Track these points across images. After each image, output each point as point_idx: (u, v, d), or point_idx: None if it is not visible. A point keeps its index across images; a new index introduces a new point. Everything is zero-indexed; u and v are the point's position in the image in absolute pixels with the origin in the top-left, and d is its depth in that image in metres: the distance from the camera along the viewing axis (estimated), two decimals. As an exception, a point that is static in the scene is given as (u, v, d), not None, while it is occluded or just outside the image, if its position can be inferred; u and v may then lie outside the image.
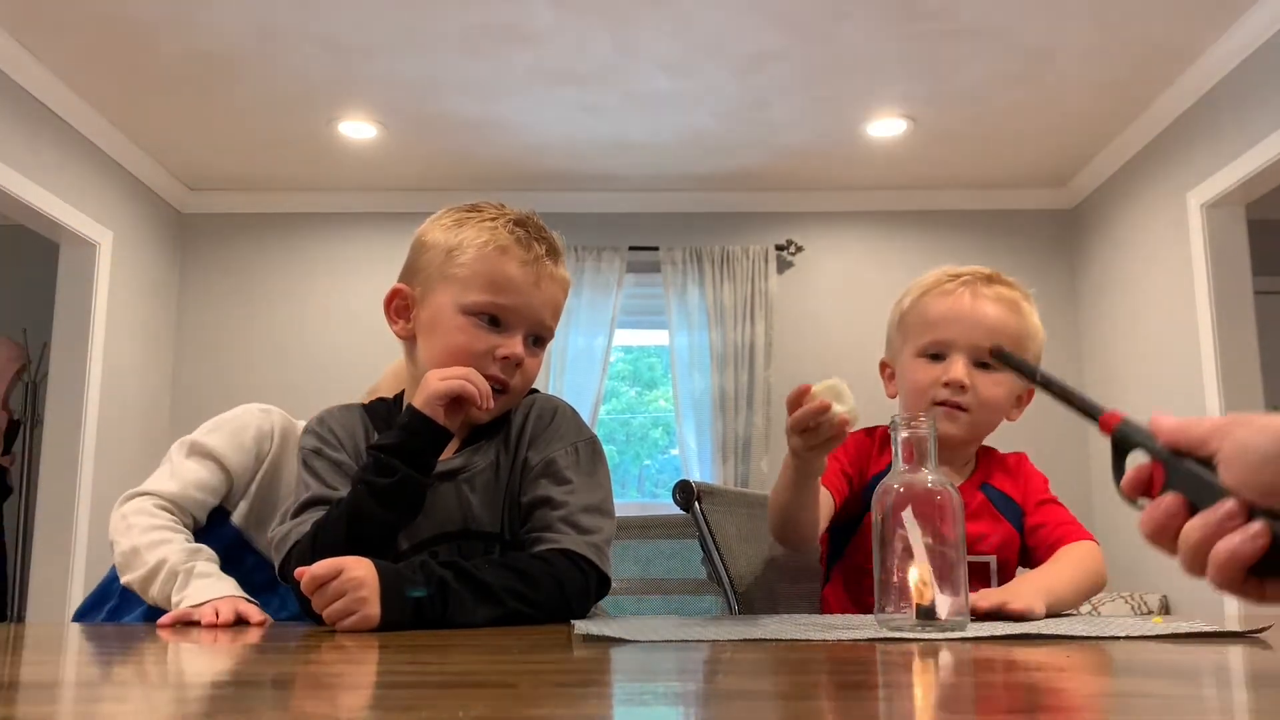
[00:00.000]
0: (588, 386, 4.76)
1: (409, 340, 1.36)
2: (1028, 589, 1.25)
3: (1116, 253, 4.55)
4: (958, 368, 1.46)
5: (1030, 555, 1.52)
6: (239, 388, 4.69)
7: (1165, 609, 4.05)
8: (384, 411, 1.38)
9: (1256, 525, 0.66)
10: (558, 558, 1.23)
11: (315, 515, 1.24)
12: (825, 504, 1.42)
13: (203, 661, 0.90)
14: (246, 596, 1.34)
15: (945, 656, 0.83)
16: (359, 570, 1.08)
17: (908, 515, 1.01)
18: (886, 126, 4.31)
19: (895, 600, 1.00)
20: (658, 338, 5.21)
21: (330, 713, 0.56)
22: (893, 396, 1.57)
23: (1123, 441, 0.78)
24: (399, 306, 1.36)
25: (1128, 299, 4.41)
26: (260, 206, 5.02)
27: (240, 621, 1.26)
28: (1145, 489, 0.75)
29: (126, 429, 4.49)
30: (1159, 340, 4.12)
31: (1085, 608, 3.26)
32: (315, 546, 1.19)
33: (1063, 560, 1.44)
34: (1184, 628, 1.03)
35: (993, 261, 1.56)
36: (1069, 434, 4.75)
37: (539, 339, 1.35)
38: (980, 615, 1.14)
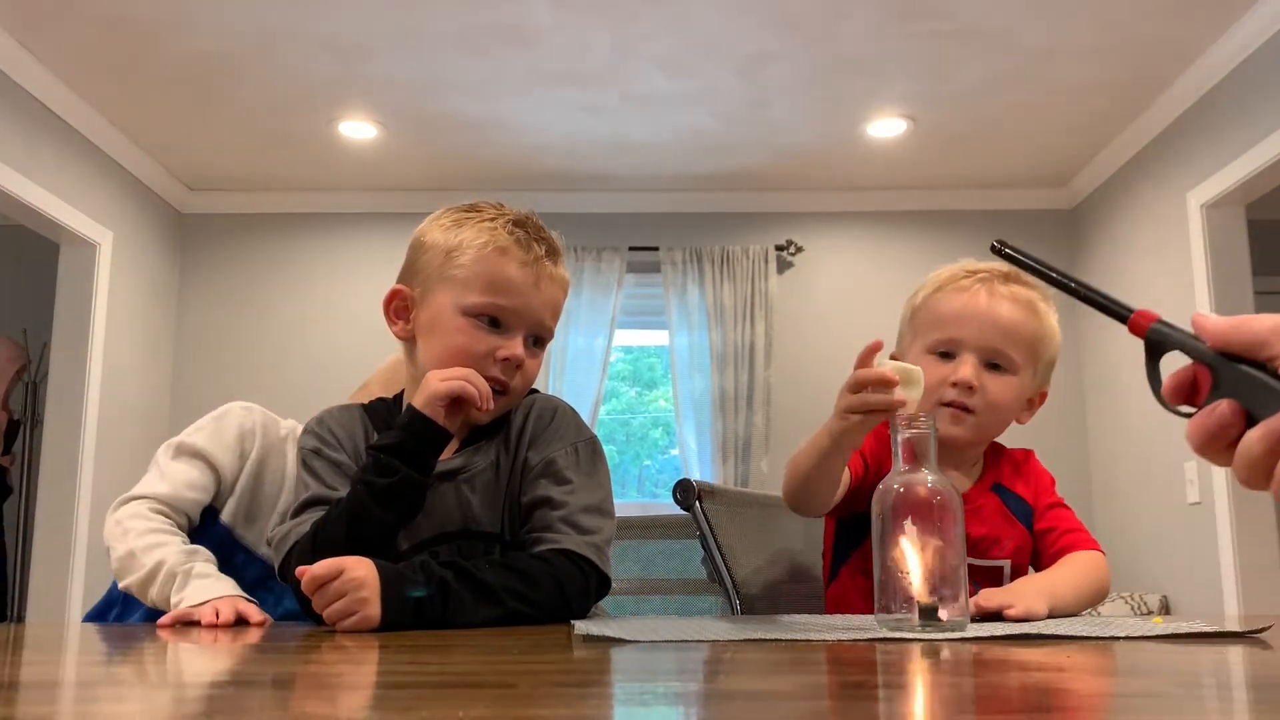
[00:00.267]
0: (588, 387, 4.76)
1: (408, 341, 1.36)
2: (1030, 590, 1.23)
3: (1116, 253, 4.55)
4: (967, 368, 1.42)
5: (1035, 559, 1.50)
6: (239, 388, 4.69)
7: (1165, 609, 4.05)
8: (384, 412, 1.38)
9: None
10: (558, 558, 1.23)
11: (315, 515, 1.24)
12: (843, 481, 1.37)
13: (203, 661, 0.90)
14: (246, 596, 1.34)
15: (945, 657, 0.83)
16: (360, 570, 1.08)
17: (908, 523, 1.01)
18: (886, 126, 4.31)
19: (895, 600, 1.00)
20: (658, 338, 5.21)
21: (330, 713, 0.56)
22: None
23: (1159, 343, 0.71)
24: (398, 307, 1.36)
25: (1128, 299, 4.40)
26: (260, 206, 5.02)
27: (240, 621, 1.26)
28: (1189, 395, 0.68)
29: (126, 429, 4.49)
30: (1159, 340, 4.11)
31: (1085, 608, 3.23)
32: (315, 546, 1.19)
33: (1067, 567, 1.42)
34: (1184, 628, 1.03)
35: (993, 261, 1.53)
36: (1069, 435, 4.75)
37: (539, 339, 1.35)
38: (982, 616, 1.14)
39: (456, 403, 1.25)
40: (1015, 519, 1.49)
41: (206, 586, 1.33)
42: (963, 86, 3.96)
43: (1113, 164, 4.53)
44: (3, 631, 1.34)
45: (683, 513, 1.64)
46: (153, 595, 1.37)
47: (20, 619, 4.55)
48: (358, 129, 4.34)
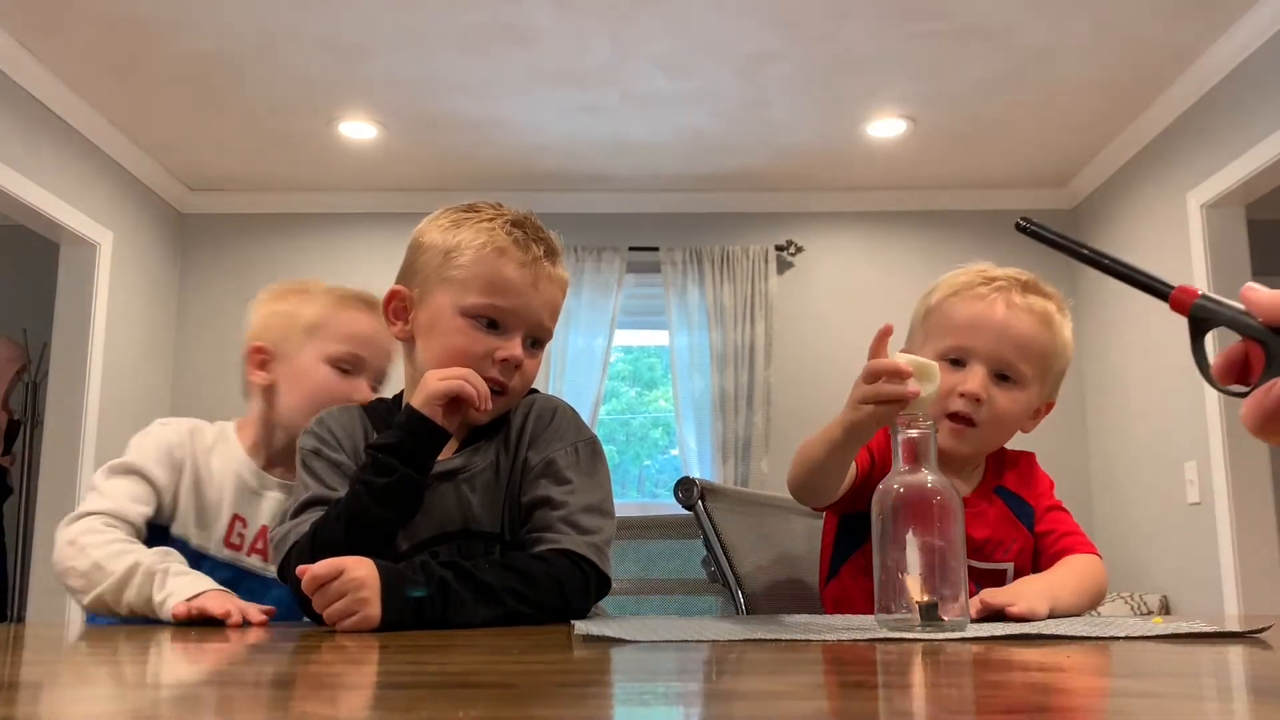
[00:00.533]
0: (588, 387, 4.76)
1: (407, 341, 1.36)
2: (1032, 591, 1.23)
3: (1116, 253, 4.54)
4: (975, 380, 1.39)
5: (1034, 561, 1.50)
6: (239, 388, 4.69)
7: (1165, 609, 4.05)
8: (383, 412, 1.38)
9: None
10: (558, 558, 1.23)
11: (314, 515, 1.24)
12: (849, 475, 1.36)
13: (203, 662, 0.90)
14: (229, 592, 1.33)
15: (945, 657, 0.82)
16: (360, 570, 1.08)
17: (908, 523, 1.01)
18: (886, 126, 4.31)
19: (896, 600, 1.00)
20: (658, 338, 5.21)
21: (330, 713, 0.56)
22: None
23: (1204, 320, 0.67)
24: (397, 308, 1.36)
25: (1128, 299, 4.40)
26: (260, 206, 5.02)
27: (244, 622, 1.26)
28: (1241, 374, 0.65)
29: (126, 429, 4.47)
30: (1159, 341, 4.12)
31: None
32: (314, 546, 1.19)
33: (1067, 569, 1.41)
34: (1184, 628, 1.03)
35: (993, 261, 1.51)
36: (1069, 435, 4.75)
37: (537, 340, 1.35)
38: (983, 616, 1.14)
39: (455, 402, 1.25)
40: (1019, 522, 1.48)
41: (191, 582, 1.32)
42: (963, 86, 3.96)
43: (1113, 164, 4.53)
44: (3, 631, 1.34)
45: (683, 512, 1.64)
46: (129, 599, 1.33)
47: (20, 619, 4.55)
48: (358, 129, 4.34)
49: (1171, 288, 0.69)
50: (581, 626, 1.01)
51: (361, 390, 1.56)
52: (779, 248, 4.95)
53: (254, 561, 1.53)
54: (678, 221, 5.02)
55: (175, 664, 0.89)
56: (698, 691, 0.70)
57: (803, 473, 1.28)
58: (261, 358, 1.60)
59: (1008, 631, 1.02)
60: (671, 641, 0.93)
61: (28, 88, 3.78)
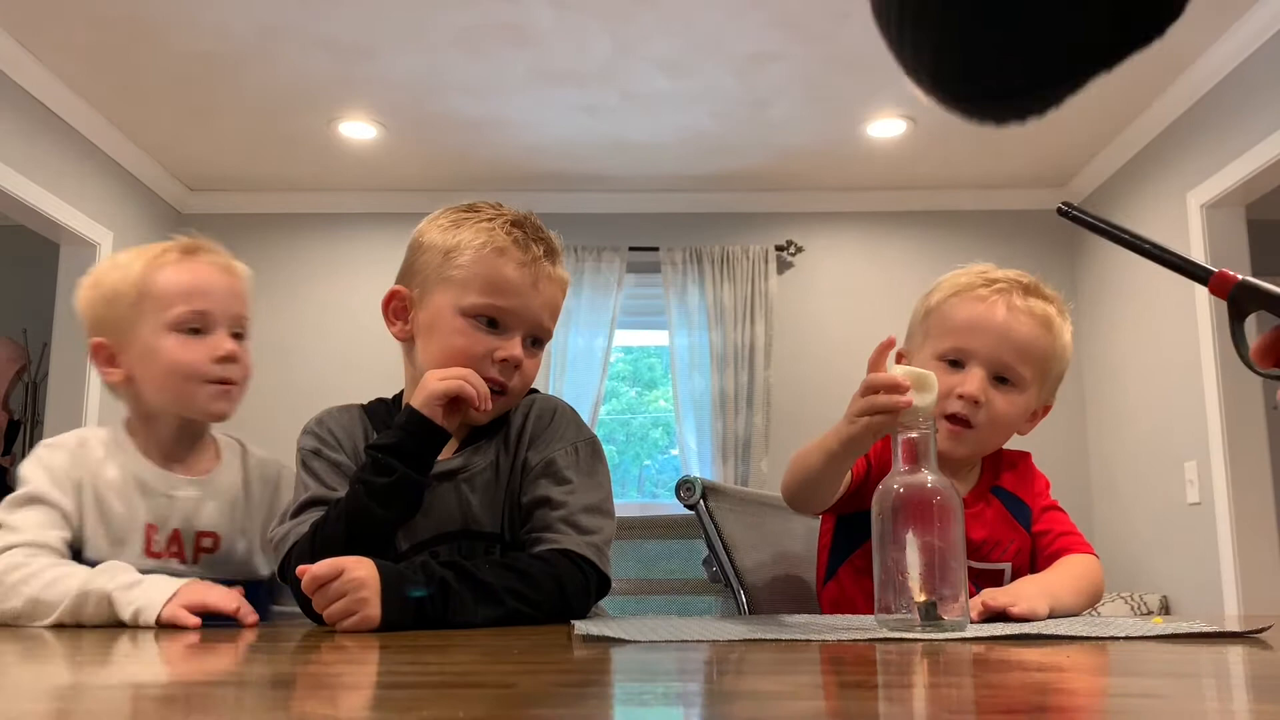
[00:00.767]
0: (588, 387, 4.76)
1: (407, 342, 1.36)
2: (1032, 591, 1.23)
3: (1116, 253, 4.54)
4: (974, 382, 1.39)
5: (1031, 561, 1.50)
6: (239, 388, 4.69)
7: (1165, 609, 4.05)
8: (383, 412, 1.38)
9: None
10: (558, 558, 1.23)
11: (314, 516, 1.25)
12: (843, 480, 1.36)
13: (203, 662, 0.90)
14: (199, 580, 1.28)
15: (945, 657, 0.83)
16: (360, 571, 1.08)
17: (908, 523, 1.01)
18: (886, 126, 4.31)
19: (896, 600, 1.00)
20: (658, 338, 5.21)
21: (330, 713, 0.56)
22: None
23: (1244, 303, 0.67)
24: (397, 308, 1.36)
25: (1128, 299, 4.41)
26: (260, 206, 5.02)
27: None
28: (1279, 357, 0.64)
29: (126, 429, 4.48)
30: (1159, 340, 4.12)
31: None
32: (314, 547, 1.19)
33: (1065, 569, 1.41)
34: (1184, 628, 1.03)
35: (993, 260, 1.51)
36: (1069, 435, 4.75)
37: (537, 340, 1.35)
38: (983, 617, 1.14)
39: (455, 402, 1.25)
40: (1015, 522, 1.48)
41: (158, 581, 1.23)
42: (963, 86, 3.95)
43: (1113, 164, 4.53)
44: (3, 632, 1.34)
45: (683, 513, 1.64)
46: (88, 616, 1.23)
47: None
48: (358, 129, 4.34)
49: (1212, 272, 0.69)
50: (581, 626, 1.01)
51: (221, 345, 1.40)
52: (779, 248, 4.95)
53: (174, 565, 1.40)
54: (678, 221, 5.02)
55: (175, 664, 0.89)
56: (698, 691, 0.70)
57: (798, 482, 1.29)
58: (106, 353, 1.43)
59: (1008, 631, 1.02)
60: (671, 641, 0.93)
61: (28, 88, 3.78)
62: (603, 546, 1.28)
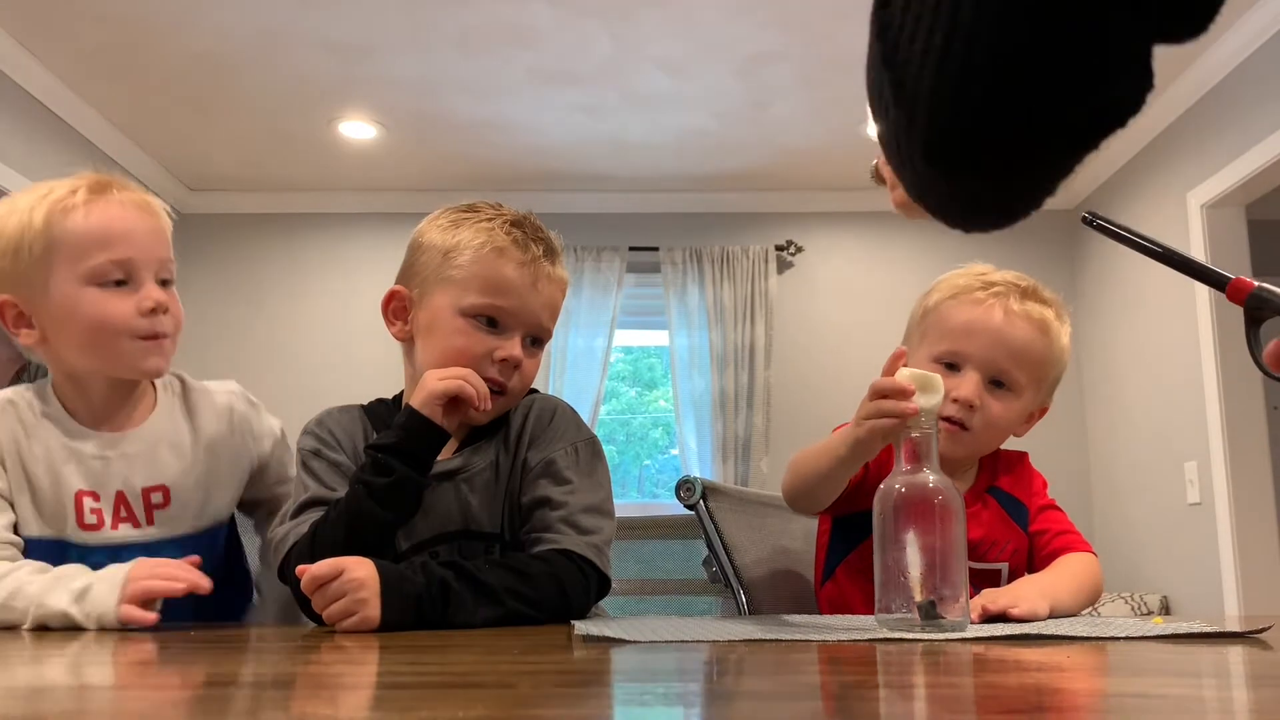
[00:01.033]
0: (588, 387, 4.76)
1: (407, 342, 1.36)
2: (1031, 591, 1.23)
3: (1117, 253, 4.55)
4: (969, 386, 1.38)
5: (1029, 560, 1.50)
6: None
7: (1165, 609, 4.05)
8: (383, 412, 1.38)
9: None
10: (558, 558, 1.23)
11: (314, 516, 1.24)
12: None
13: (202, 661, 0.90)
14: (144, 559, 1.21)
15: (945, 657, 0.82)
16: (360, 571, 1.08)
17: (909, 523, 1.01)
18: (886, 126, 4.31)
19: (896, 600, 1.00)
20: (658, 338, 5.21)
21: (330, 713, 0.56)
22: None
23: (1260, 309, 0.68)
24: (396, 308, 1.36)
25: (1128, 299, 4.41)
26: (260, 206, 5.03)
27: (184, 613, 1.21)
28: None
29: (126, 429, 4.48)
30: (1159, 340, 4.12)
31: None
32: (314, 547, 1.19)
33: (1064, 568, 1.41)
34: (1184, 628, 1.03)
35: (992, 261, 1.51)
36: (1069, 435, 4.75)
37: (537, 340, 1.35)
38: (983, 619, 1.14)
39: (454, 402, 1.25)
40: (1013, 522, 1.48)
41: (104, 581, 1.16)
42: (963, 86, 3.95)
43: (1113, 164, 4.53)
44: (3, 632, 1.34)
45: (683, 512, 1.63)
46: (36, 625, 1.16)
47: (20, 619, 4.54)
48: (358, 129, 4.34)
49: (1229, 278, 0.70)
50: (581, 626, 1.01)
51: (149, 295, 1.26)
52: (779, 248, 4.95)
53: (126, 532, 1.30)
54: (678, 221, 5.02)
55: (174, 664, 0.89)
56: (698, 692, 0.70)
57: (801, 483, 1.29)
58: (15, 312, 1.27)
59: (1008, 631, 1.02)
60: (671, 642, 0.93)
61: (28, 88, 3.78)
62: (603, 546, 1.28)
